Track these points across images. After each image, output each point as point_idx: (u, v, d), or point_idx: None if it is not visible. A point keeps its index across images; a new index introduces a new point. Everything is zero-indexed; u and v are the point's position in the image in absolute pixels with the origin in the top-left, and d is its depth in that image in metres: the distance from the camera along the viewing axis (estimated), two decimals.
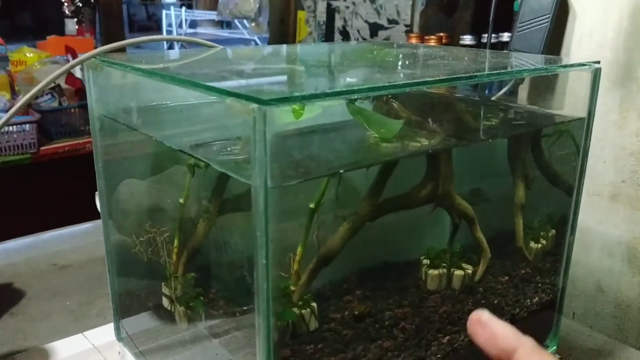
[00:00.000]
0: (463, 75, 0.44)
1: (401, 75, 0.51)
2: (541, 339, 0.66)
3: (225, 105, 0.43)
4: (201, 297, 0.51)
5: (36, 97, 1.85)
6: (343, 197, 0.52)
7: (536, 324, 0.64)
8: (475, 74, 0.44)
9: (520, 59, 0.65)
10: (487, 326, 0.31)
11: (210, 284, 0.55)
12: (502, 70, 0.52)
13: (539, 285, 0.64)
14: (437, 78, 0.43)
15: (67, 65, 0.51)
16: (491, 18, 0.81)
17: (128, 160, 0.59)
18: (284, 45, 1.59)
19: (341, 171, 0.44)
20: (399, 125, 0.58)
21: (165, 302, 0.55)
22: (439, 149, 0.53)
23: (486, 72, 0.46)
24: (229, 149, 0.52)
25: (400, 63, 0.57)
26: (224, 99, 0.37)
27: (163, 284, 0.55)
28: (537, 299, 0.63)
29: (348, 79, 0.48)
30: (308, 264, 0.51)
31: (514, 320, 0.60)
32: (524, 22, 0.74)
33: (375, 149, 0.53)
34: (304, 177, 0.42)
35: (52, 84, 1.79)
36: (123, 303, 0.64)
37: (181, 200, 0.52)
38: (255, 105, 0.34)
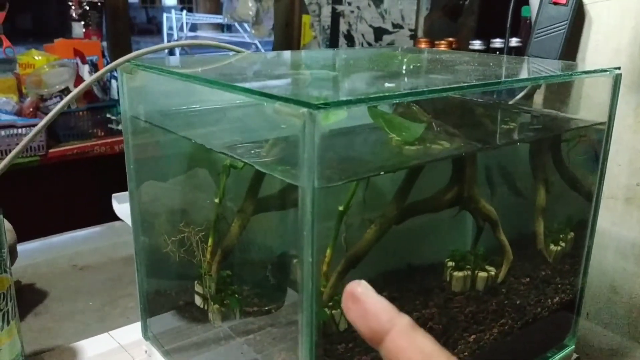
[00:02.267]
0: (499, 80, 0.46)
1: (436, 80, 0.53)
2: (560, 338, 0.67)
3: (265, 109, 0.44)
4: (236, 295, 0.53)
5: (44, 99, 1.86)
6: (370, 200, 0.53)
7: (555, 323, 0.66)
8: (515, 78, 0.45)
9: (541, 64, 0.67)
10: (359, 301, 0.27)
11: (240, 283, 0.56)
12: (533, 76, 0.54)
13: (559, 286, 0.66)
14: (479, 82, 0.44)
15: (102, 71, 0.52)
16: (508, 25, 0.82)
17: (160, 162, 0.60)
18: (309, 51, 1.60)
19: (382, 173, 0.45)
20: (421, 129, 0.60)
21: (198, 300, 0.56)
22: (468, 152, 0.54)
23: (520, 77, 0.47)
24: (252, 151, 0.53)
25: (430, 68, 0.59)
26: (273, 103, 0.38)
27: (196, 282, 0.56)
28: (557, 299, 0.65)
29: (387, 84, 0.49)
30: (336, 266, 0.52)
31: (536, 319, 0.62)
32: (541, 29, 0.75)
33: (404, 152, 0.55)
34: (347, 178, 0.43)
35: (61, 87, 1.80)
36: (150, 302, 0.65)
37: (216, 200, 0.53)
38: (305, 110, 0.35)
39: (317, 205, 0.38)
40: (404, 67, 0.59)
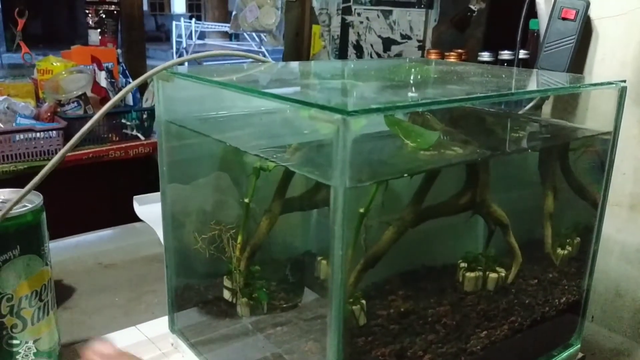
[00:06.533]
0: (512, 91, 0.50)
1: (455, 90, 0.56)
2: (566, 338, 0.70)
3: (293, 115, 0.48)
4: (264, 289, 0.56)
5: (62, 104, 1.90)
6: (388, 203, 0.57)
7: (562, 323, 0.69)
8: (526, 90, 0.49)
9: (550, 77, 0.71)
10: None
11: (267, 279, 0.60)
12: (542, 88, 0.57)
13: (565, 288, 0.69)
14: (495, 93, 0.48)
15: (143, 77, 0.56)
16: (519, 38, 0.86)
17: (192, 164, 0.64)
18: (330, 62, 1.63)
19: (405, 175, 0.49)
20: (435, 136, 0.63)
21: (226, 294, 0.60)
22: (483, 159, 0.58)
23: (534, 89, 0.51)
24: (274, 156, 0.57)
25: (447, 79, 0.63)
26: (308, 109, 0.41)
27: (225, 277, 0.59)
28: (563, 300, 0.68)
29: (409, 94, 0.53)
30: (356, 265, 0.56)
31: (543, 319, 0.65)
32: (550, 43, 0.79)
33: (421, 157, 0.58)
34: (374, 179, 0.47)
35: (79, 93, 1.84)
36: (178, 297, 0.68)
37: (246, 200, 0.56)
38: (339, 116, 0.39)
39: (348, 203, 0.41)
40: (424, 78, 0.63)
